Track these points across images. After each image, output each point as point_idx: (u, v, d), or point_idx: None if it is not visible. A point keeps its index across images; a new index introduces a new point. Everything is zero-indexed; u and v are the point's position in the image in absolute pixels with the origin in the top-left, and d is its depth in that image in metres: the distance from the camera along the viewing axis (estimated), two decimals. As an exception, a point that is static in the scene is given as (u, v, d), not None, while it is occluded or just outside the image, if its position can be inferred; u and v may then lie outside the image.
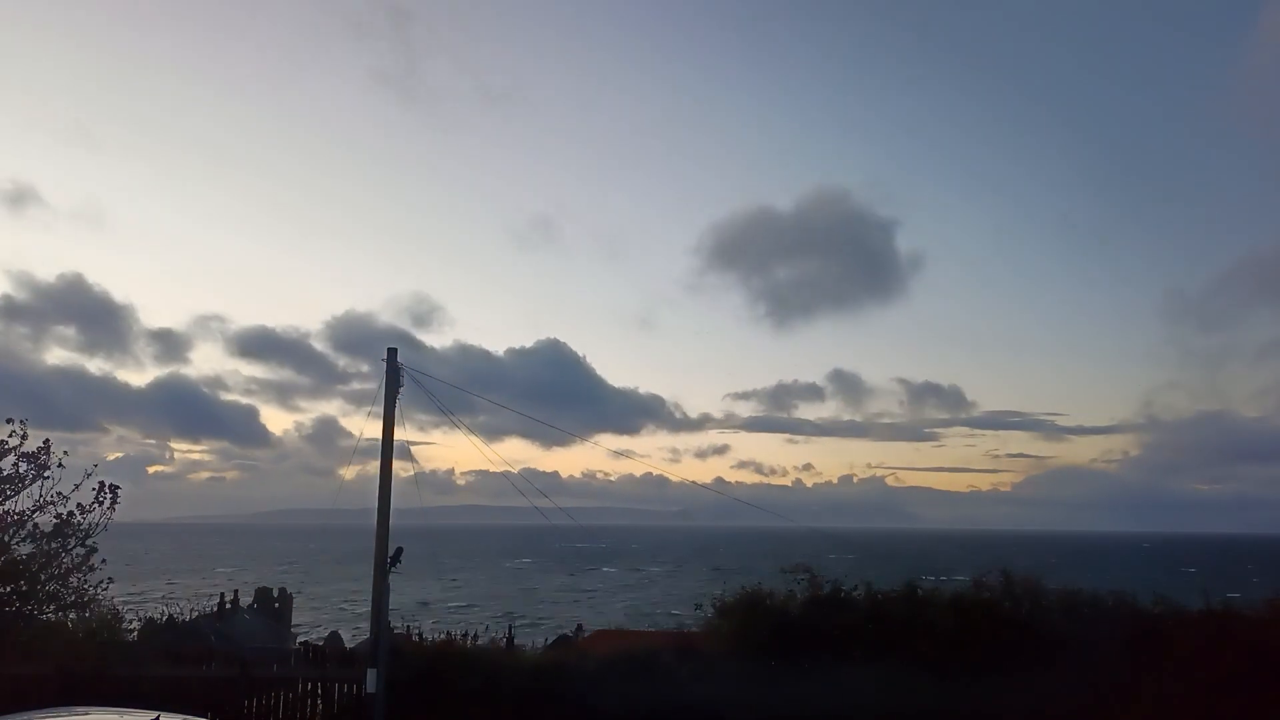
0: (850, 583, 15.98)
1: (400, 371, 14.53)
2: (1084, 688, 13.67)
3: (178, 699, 12.54)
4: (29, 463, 13.59)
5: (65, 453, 13.86)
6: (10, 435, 13.56)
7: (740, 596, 15.72)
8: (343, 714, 14.78)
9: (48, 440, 13.80)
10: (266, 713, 15.01)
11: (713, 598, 16.24)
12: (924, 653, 14.22)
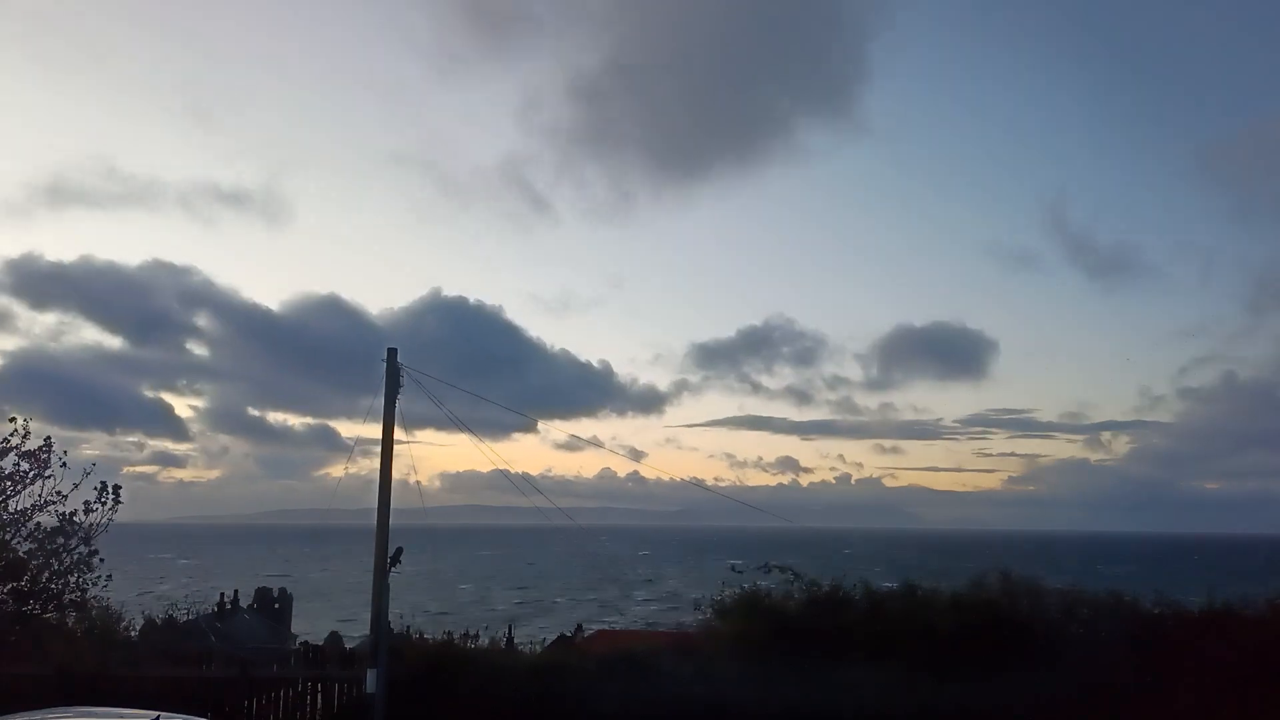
0: (849, 583, 15.97)
1: (400, 372, 14.54)
2: (1084, 688, 13.66)
3: (178, 699, 12.55)
4: (29, 461, 13.59)
5: (66, 451, 13.89)
6: (12, 434, 13.57)
7: (740, 597, 15.71)
8: (343, 714, 14.78)
9: (49, 439, 13.82)
10: (266, 713, 15.01)
11: (712, 598, 16.24)
12: (923, 653, 14.20)
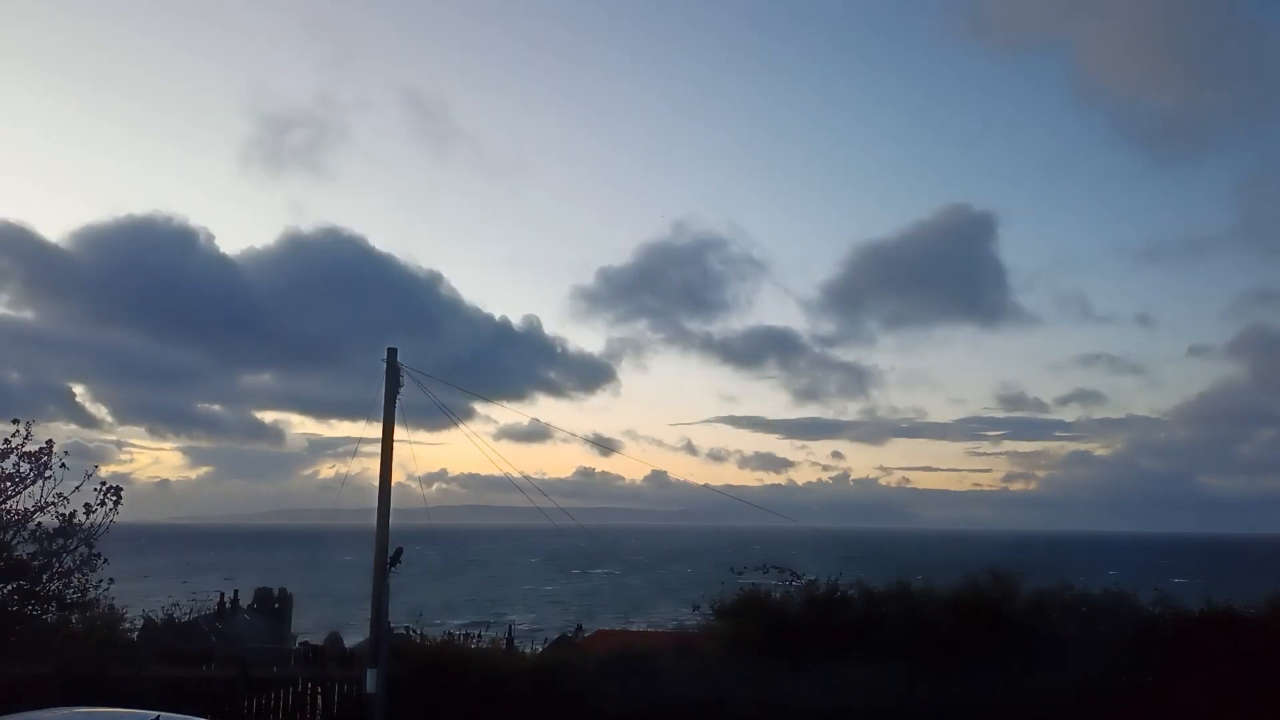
0: (848, 583, 15.99)
1: (400, 371, 14.55)
2: (1083, 688, 13.68)
3: (178, 699, 12.57)
4: (30, 462, 13.62)
5: (66, 453, 13.93)
6: (14, 435, 13.60)
7: (740, 597, 15.73)
8: (343, 714, 14.81)
9: (50, 441, 13.85)
10: (266, 713, 15.05)
11: (712, 598, 16.25)
12: (922, 653, 14.23)
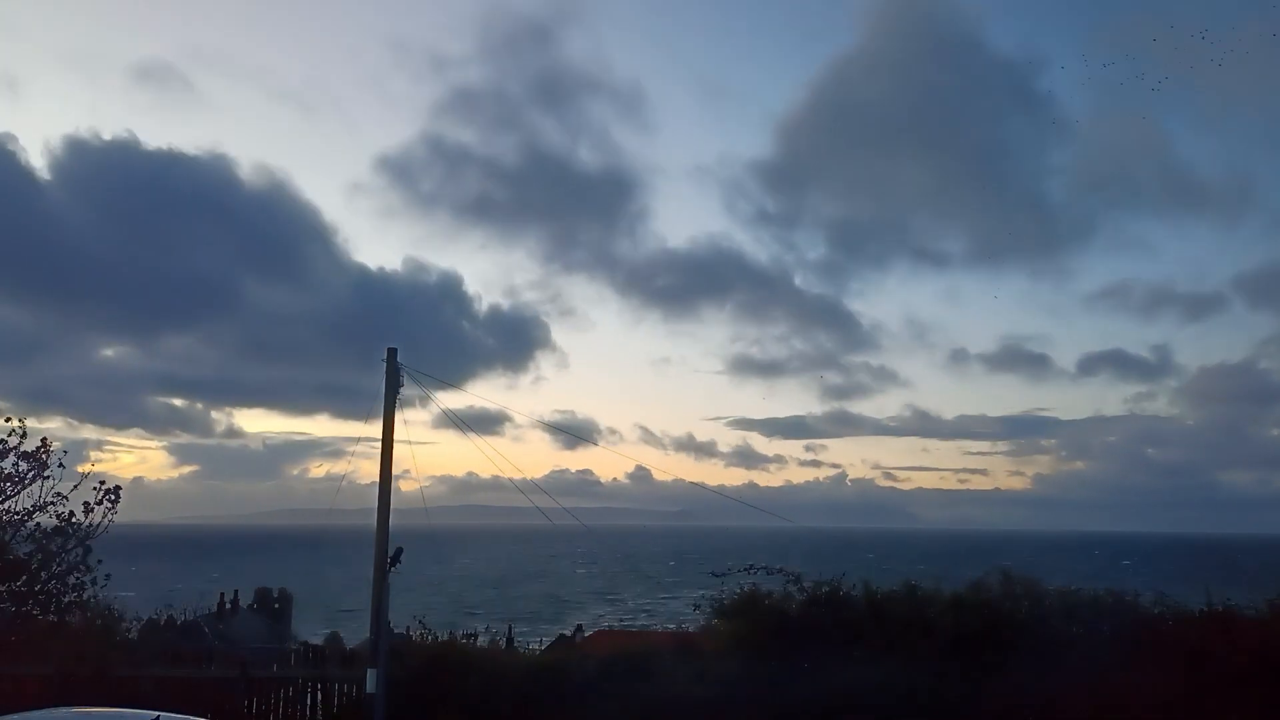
0: (849, 583, 15.98)
1: (400, 371, 14.52)
2: (1084, 688, 13.67)
3: (178, 699, 12.55)
4: (28, 462, 13.59)
5: (65, 452, 13.91)
6: (10, 434, 13.57)
7: (740, 597, 15.71)
8: (343, 714, 14.80)
9: (45, 439, 13.82)
10: (266, 713, 15.02)
11: (712, 598, 16.23)
12: (923, 653, 14.22)
